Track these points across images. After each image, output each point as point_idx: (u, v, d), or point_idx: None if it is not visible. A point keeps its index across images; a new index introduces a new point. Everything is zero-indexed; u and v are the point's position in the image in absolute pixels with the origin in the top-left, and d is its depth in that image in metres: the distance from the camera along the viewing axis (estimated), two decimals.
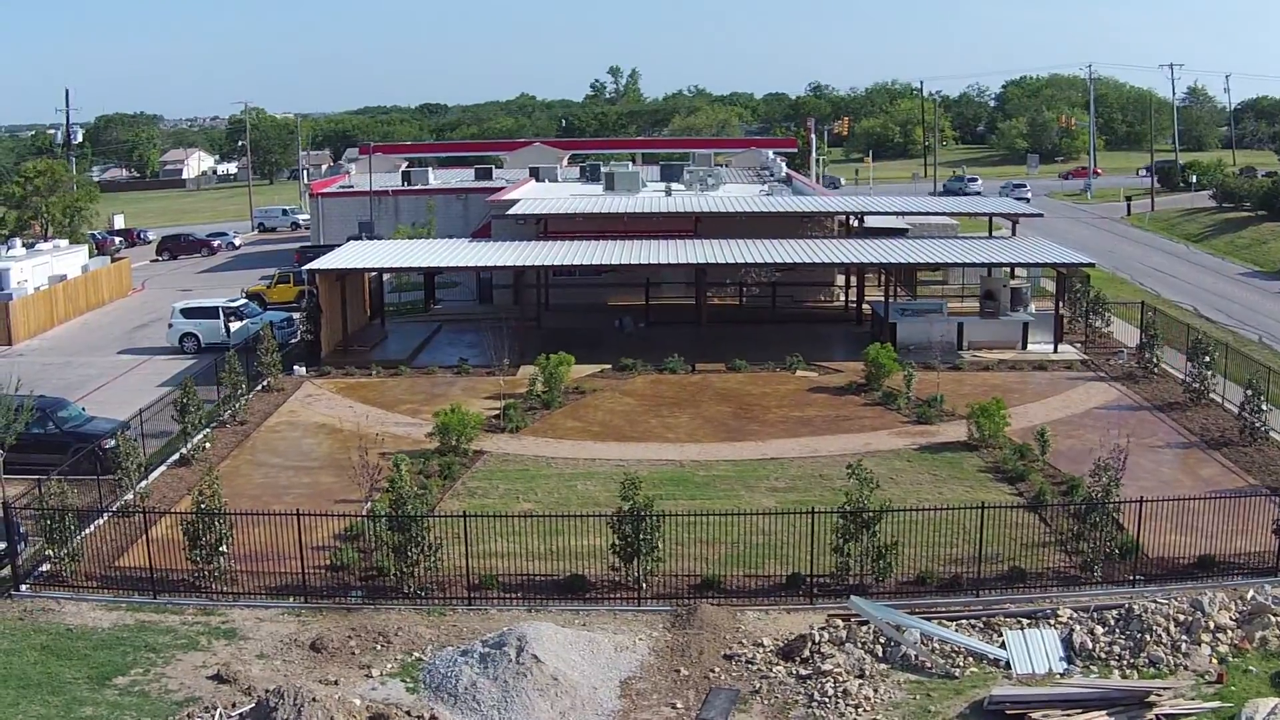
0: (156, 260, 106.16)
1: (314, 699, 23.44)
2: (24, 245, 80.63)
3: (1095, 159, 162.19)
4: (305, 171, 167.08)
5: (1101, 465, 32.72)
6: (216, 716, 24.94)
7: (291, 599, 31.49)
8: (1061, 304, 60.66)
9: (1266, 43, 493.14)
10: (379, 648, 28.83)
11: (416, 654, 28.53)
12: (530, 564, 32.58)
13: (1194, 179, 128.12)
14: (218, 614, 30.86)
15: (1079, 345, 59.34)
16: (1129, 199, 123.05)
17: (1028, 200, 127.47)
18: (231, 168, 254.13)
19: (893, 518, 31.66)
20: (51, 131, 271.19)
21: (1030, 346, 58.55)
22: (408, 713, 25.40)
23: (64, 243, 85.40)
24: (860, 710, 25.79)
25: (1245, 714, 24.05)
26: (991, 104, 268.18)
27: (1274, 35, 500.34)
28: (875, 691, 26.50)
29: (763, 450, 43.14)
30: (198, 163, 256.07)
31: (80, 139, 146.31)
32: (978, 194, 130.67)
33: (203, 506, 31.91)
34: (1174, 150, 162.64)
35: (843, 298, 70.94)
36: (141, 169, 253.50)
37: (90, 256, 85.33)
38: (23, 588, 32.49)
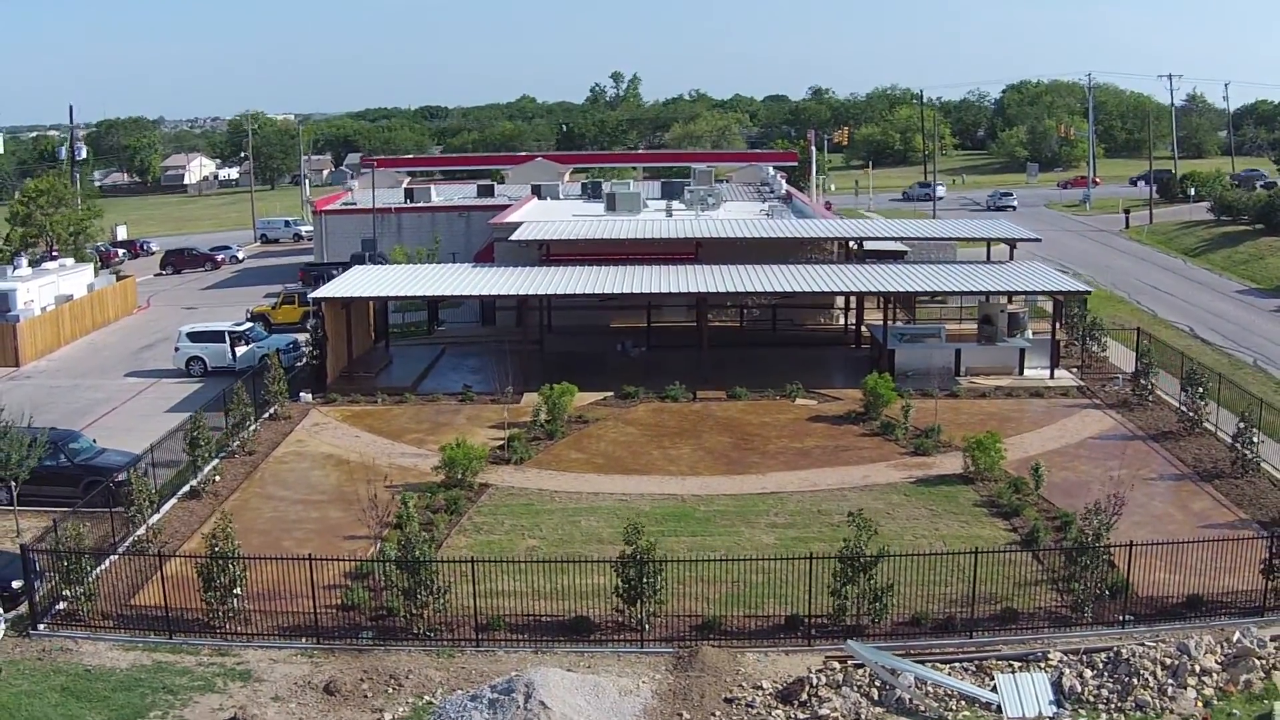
0: (160, 274, 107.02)
1: None
2: (29, 264, 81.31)
3: (1095, 168, 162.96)
4: (307, 180, 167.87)
5: (1094, 509, 33.54)
6: None
7: (304, 639, 32.27)
8: (1058, 330, 61.06)
9: (1265, 50, 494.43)
10: (390, 690, 29.67)
11: (427, 697, 29.36)
12: (536, 603, 33.37)
13: (1192, 191, 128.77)
14: (232, 654, 31.69)
15: (1075, 370, 59.79)
16: (1128, 211, 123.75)
17: (1014, 208, 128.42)
18: (233, 173, 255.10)
19: (889, 559, 32.49)
20: (53, 134, 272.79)
21: (1027, 372, 59.05)
22: None
23: (70, 261, 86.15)
24: None
25: None
26: (991, 109, 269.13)
27: (1273, 43, 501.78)
28: None
29: (762, 484, 43.91)
30: (199, 168, 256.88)
31: (84, 154, 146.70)
32: (940, 197, 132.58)
33: (216, 549, 32.75)
34: (1173, 158, 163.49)
35: (842, 320, 71.63)
36: (143, 174, 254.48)
37: (95, 274, 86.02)
38: (40, 626, 33.26)
